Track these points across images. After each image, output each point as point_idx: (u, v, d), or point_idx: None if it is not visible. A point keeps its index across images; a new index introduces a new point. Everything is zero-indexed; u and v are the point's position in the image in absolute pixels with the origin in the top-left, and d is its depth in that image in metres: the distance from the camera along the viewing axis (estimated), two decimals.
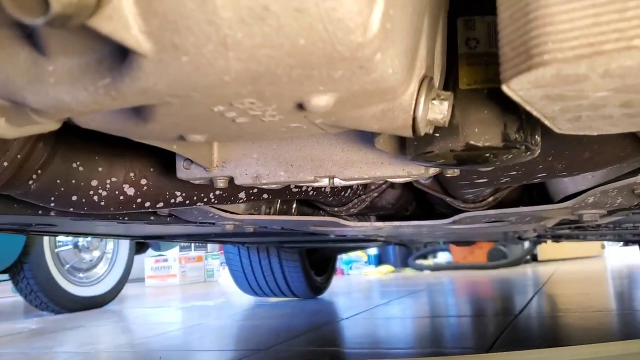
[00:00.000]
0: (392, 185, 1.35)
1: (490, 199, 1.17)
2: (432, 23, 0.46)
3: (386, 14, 0.34)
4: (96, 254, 4.01)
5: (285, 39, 0.32)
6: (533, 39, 0.31)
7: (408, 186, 1.34)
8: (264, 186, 0.76)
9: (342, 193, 1.18)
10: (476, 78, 0.53)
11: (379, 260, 6.24)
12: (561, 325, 2.09)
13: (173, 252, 6.03)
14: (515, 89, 0.35)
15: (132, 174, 0.87)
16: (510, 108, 0.53)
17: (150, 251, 5.50)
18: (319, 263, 3.55)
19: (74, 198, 0.85)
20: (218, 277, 6.30)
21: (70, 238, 3.74)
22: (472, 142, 0.53)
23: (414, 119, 0.44)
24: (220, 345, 2.09)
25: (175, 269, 6.01)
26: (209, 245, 6.28)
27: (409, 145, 0.59)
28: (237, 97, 0.39)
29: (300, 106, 0.41)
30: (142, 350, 2.03)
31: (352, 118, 0.46)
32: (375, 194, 1.31)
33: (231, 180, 0.77)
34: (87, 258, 3.91)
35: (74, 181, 0.84)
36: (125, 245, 4.11)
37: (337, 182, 0.74)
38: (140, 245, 4.36)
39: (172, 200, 0.92)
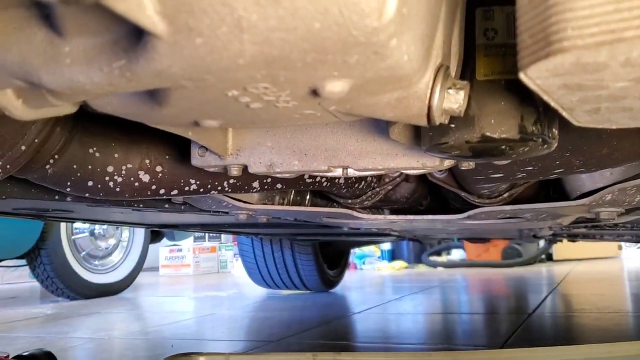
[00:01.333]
0: (407, 178, 1.34)
1: (506, 194, 1.16)
2: (450, 11, 0.45)
3: None
4: (112, 242, 4.05)
5: (300, 22, 0.32)
6: (552, 25, 0.31)
7: (423, 180, 1.34)
8: (278, 175, 0.76)
9: (356, 185, 1.18)
10: (493, 69, 0.52)
11: (393, 255, 6.22)
12: (575, 325, 2.07)
13: (187, 243, 6.08)
14: (532, 77, 0.34)
15: (147, 161, 0.88)
16: (527, 100, 0.53)
17: (165, 241, 5.55)
18: (332, 257, 3.56)
19: (90, 183, 0.86)
20: (231, 268, 6.33)
21: (86, 226, 3.78)
22: (488, 133, 0.52)
23: (429, 108, 0.44)
24: (232, 335, 2.10)
25: (189, 259, 6.05)
26: (223, 237, 6.32)
27: (423, 136, 0.58)
28: (251, 82, 0.39)
29: (315, 92, 0.41)
30: (155, 337, 2.04)
31: (366, 105, 0.45)
32: (390, 187, 1.31)
33: (245, 169, 0.77)
34: (102, 246, 3.95)
35: (90, 167, 0.84)
36: (140, 234, 4.14)
37: (351, 172, 0.74)
38: (155, 235, 4.40)
39: (187, 188, 0.92)
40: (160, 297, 3.93)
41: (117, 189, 0.88)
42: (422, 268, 5.75)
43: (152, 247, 4.85)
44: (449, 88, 0.44)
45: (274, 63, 0.35)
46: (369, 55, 0.36)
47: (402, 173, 1.27)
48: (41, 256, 3.47)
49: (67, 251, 3.61)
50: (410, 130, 0.60)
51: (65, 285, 3.49)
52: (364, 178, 1.19)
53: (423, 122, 0.45)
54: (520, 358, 1.09)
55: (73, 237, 3.75)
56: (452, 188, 1.20)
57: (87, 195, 0.88)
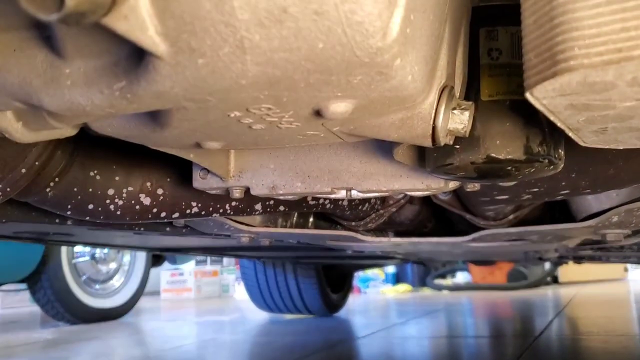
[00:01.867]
0: (411, 200, 1.33)
1: (511, 216, 1.15)
2: (454, 31, 0.45)
3: (406, 18, 0.33)
4: (113, 266, 4.03)
5: (304, 43, 0.31)
6: (558, 44, 0.30)
7: (427, 202, 1.33)
8: (281, 197, 0.76)
9: (360, 207, 1.17)
10: (498, 89, 0.52)
11: (397, 279, 6.18)
12: (583, 349, 2.04)
13: (189, 266, 6.04)
14: (539, 97, 0.34)
15: (148, 184, 0.87)
16: (533, 120, 0.52)
17: (166, 265, 5.52)
18: (335, 280, 3.53)
19: (91, 206, 0.85)
20: (233, 292, 6.29)
21: (87, 249, 3.76)
22: (493, 154, 0.52)
23: (434, 129, 0.43)
24: None
25: (190, 283, 6.01)
26: (225, 260, 6.29)
27: (428, 158, 0.58)
28: (253, 102, 0.38)
29: (318, 113, 0.40)
30: None
31: (370, 126, 0.45)
32: (394, 209, 1.30)
33: (247, 191, 0.76)
34: (103, 270, 3.93)
35: (90, 190, 0.84)
36: (141, 258, 4.12)
37: (355, 194, 0.74)
38: (156, 259, 4.38)
39: (188, 211, 0.92)
40: (161, 322, 3.89)
41: (118, 212, 0.87)
42: (426, 291, 5.70)
43: (153, 271, 4.82)
44: (454, 108, 0.44)
45: (277, 84, 0.35)
46: (373, 76, 0.35)
47: (406, 195, 1.27)
48: (42, 280, 3.45)
49: (68, 275, 3.59)
50: (414, 152, 0.60)
51: (66, 309, 3.46)
52: (368, 200, 1.18)
53: (427, 143, 0.45)
54: None
55: (74, 261, 3.73)
56: (456, 210, 1.19)
57: (87, 218, 0.87)
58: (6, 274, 3.26)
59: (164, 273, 6.14)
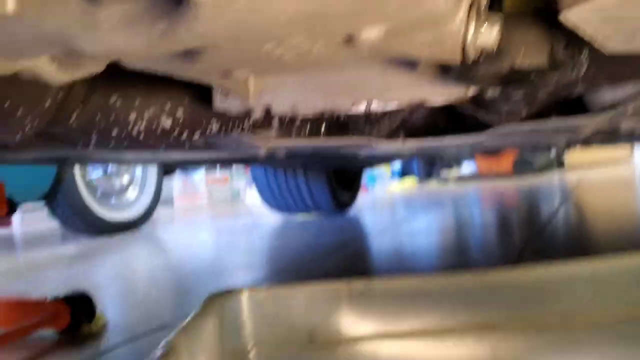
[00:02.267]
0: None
1: (524, 112, 1.16)
2: None
3: None
4: (126, 178, 4.09)
5: None
6: None
7: None
8: (303, 114, 0.77)
9: (371, 111, 1.17)
10: (522, 2, 0.52)
11: (403, 172, 6.26)
12: (590, 233, 2.11)
13: (199, 174, 6.13)
14: (574, 17, 0.34)
15: (168, 106, 0.88)
16: (556, 28, 0.52)
17: (178, 174, 5.60)
18: (345, 179, 3.59)
19: (114, 133, 0.87)
20: (244, 197, 6.41)
21: (99, 164, 3.81)
22: (518, 63, 0.52)
23: (464, 45, 0.44)
24: (252, 264, 2.16)
25: (202, 191, 6.13)
26: (234, 166, 6.36)
27: (453, 68, 0.58)
28: (288, 37, 0.39)
29: (350, 39, 0.41)
30: (176, 271, 2.11)
31: (401, 47, 0.45)
32: (406, 113, 1.30)
33: (267, 110, 0.77)
34: (117, 183, 4.00)
35: (113, 116, 0.85)
36: (153, 169, 4.18)
37: (375, 106, 0.74)
38: (168, 168, 4.43)
39: (209, 130, 0.93)
40: (177, 230, 4.02)
41: (141, 136, 0.89)
42: (433, 184, 5.80)
43: (165, 181, 4.90)
44: (483, 24, 0.44)
45: (314, 17, 0.35)
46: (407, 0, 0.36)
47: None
48: (58, 197, 3.52)
49: (83, 190, 3.65)
50: (437, 66, 0.60)
51: (84, 223, 3.56)
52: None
53: (457, 60, 0.45)
54: (536, 273, 1.12)
55: (87, 177, 3.79)
56: (469, 108, 1.20)
57: (112, 144, 0.89)
58: (25, 193, 3.33)
59: (176, 182, 6.24)
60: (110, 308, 1.51)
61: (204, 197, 6.16)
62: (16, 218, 4.80)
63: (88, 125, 0.84)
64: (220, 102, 0.77)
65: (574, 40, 0.54)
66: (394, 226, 2.89)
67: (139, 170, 4.16)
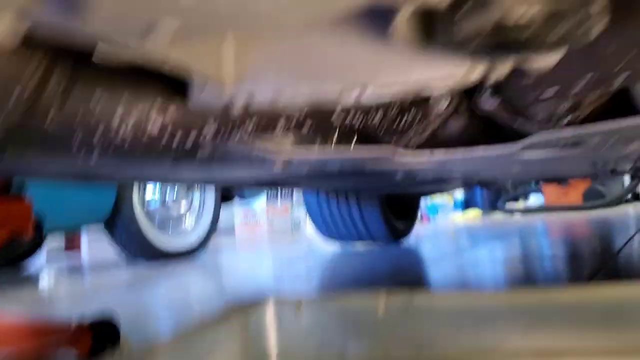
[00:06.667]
0: (456, 111, 1.22)
1: (568, 118, 1.02)
2: None
3: None
4: (184, 205, 4.13)
5: None
6: None
7: (473, 114, 1.21)
8: (289, 105, 0.68)
9: (398, 120, 1.08)
10: None
11: (466, 204, 6.03)
12: None
13: (260, 204, 6.15)
14: None
15: (158, 103, 0.82)
16: None
17: (239, 203, 5.63)
18: (400, 208, 3.47)
19: (99, 132, 0.81)
20: (304, 228, 6.37)
21: (157, 197, 3.89)
22: (508, 12, 0.41)
23: None
24: (303, 291, 2.07)
25: (263, 220, 6.13)
26: (295, 196, 6.34)
27: (435, 33, 0.48)
28: None
29: None
30: (235, 295, 2.05)
31: None
32: (437, 124, 1.20)
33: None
34: (174, 212, 4.04)
35: (97, 113, 0.79)
36: (211, 196, 4.21)
37: (371, 91, 0.65)
38: (226, 196, 4.46)
39: (204, 133, 0.86)
40: (235, 257, 4.00)
41: (128, 139, 0.83)
42: (498, 216, 5.54)
43: (227, 209, 4.91)
44: None
45: None
46: None
47: (449, 107, 1.16)
48: (117, 224, 3.60)
49: (141, 218, 3.71)
50: (418, 27, 0.50)
51: (143, 250, 3.61)
52: (406, 111, 1.09)
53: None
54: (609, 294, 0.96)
55: (146, 203, 3.86)
56: (505, 117, 1.08)
57: (98, 145, 0.83)
58: (85, 217, 3.43)
59: (237, 211, 6.29)
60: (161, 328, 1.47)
61: (264, 227, 6.16)
62: (84, 243, 4.99)
63: (70, 121, 0.78)
64: (196, 96, 0.70)
65: None
66: (454, 255, 2.73)
67: (196, 199, 4.20)
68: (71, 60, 0.74)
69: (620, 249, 2.26)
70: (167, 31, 0.43)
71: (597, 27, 0.45)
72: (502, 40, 0.44)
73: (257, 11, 0.42)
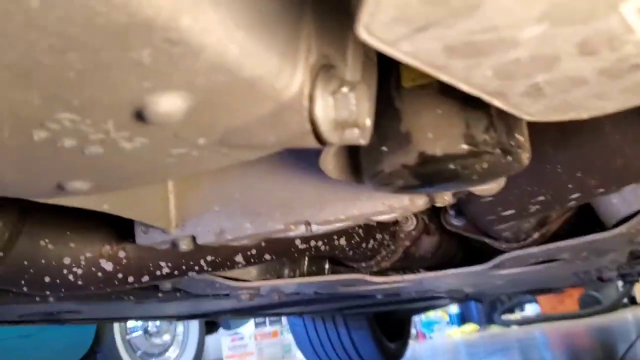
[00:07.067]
0: (427, 231, 1.20)
1: (536, 235, 1.01)
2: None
3: None
4: (167, 337, 3.98)
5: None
6: None
7: (445, 232, 1.20)
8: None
9: (364, 245, 1.05)
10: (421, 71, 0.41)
11: (462, 319, 5.86)
12: None
13: (248, 329, 5.95)
14: (384, 36, 0.23)
15: (108, 247, 0.79)
16: (472, 102, 0.41)
17: (226, 330, 5.43)
18: (391, 328, 3.34)
19: (47, 279, 0.77)
20: (295, 351, 6.12)
21: (139, 324, 3.74)
22: (427, 151, 0.40)
23: (312, 121, 0.33)
24: None
25: (252, 347, 5.89)
26: (284, 320, 6.15)
27: (362, 170, 0.47)
28: (40, 112, 0.29)
29: (140, 116, 0.31)
30: None
31: (237, 131, 0.35)
32: (407, 243, 1.18)
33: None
34: (158, 343, 3.88)
35: (43, 261, 0.76)
36: (195, 327, 4.06)
37: (316, 228, 0.63)
38: (210, 326, 4.31)
39: (158, 272, 0.83)
40: None
41: (80, 282, 0.79)
42: (495, 329, 5.37)
43: (214, 337, 4.72)
44: (335, 92, 0.33)
45: (35, 74, 0.26)
46: (166, 48, 0.26)
47: (418, 226, 1.14)
48: (97, 356, 3.43)
49: (123, 352, 3.55)
50: (348, 165, 0.49)
51: None
52: (372, 236, 1.07)
53: (312, 143, 0.34)
54: None
55: (127, 337, 3.70)
56: (474, 236, 1.06)
57: (47, 292, 0.80)
58: (60, 356, 3.25)
59: (224, 339, 6.05)
60: None
61: (254, 354, 5.91)
62: None
63: (15, 272, 0.75)
64: (142, 236, 0.67)
65: (501, 115, 0.42)
66: None
67: (180, 328, 4.05)
68: (16, 209, 0.73)
69: (623, 356, 2.16)
70: (81, 190, 0.41)
71: (524, 158, 0.44)
72: (427, 174, 0.43)
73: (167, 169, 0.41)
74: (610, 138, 0.59)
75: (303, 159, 0.61)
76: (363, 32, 0.23)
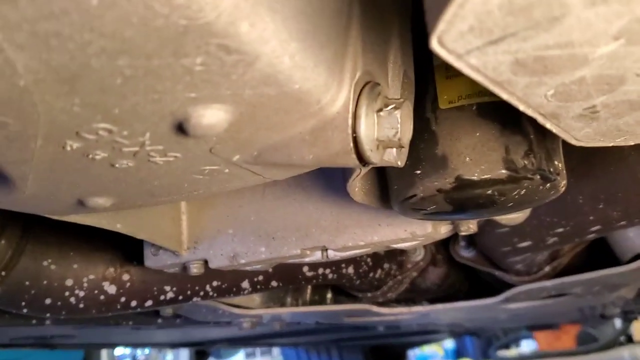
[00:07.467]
0: (434, 262, 1.18)
1: (548, 268, 0.99)
2: (377, 12, 0.34)
3: None
4: None
5: (73, 4, 0.21)
6: None
7: (453, 263, 1.18)
8: (246, 267, 0.63)
9: (372, 275, 1.03)
10: (460, 92, 0.40)
11: (457, 353, 5.78)
12: None
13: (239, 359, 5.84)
14: (455, 48, 0.22)
15: (112, 269, 0.77)
16: (512, 125, 0.40)
17: None
18: None
19: (48, 301, 0.75)
20: None
21: (128, 351, 3.67)
22: (464, 175, 0.39)
23: (355, 139, 0.32)
24: None
25: None
26: (274, 350, 6.05)
27: (391, 194, 0.45)
28: (77, 122, 0.27)
29: (180, 128, 0.29)
30: None
31: (275, 147, 0.33)
32: (414, 274, 1.15)
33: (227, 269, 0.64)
34: None
35: (45, 282, 0.74)
36: (185, 355, 3.99)
37: (332, 254, 0.61)
38: (200, 355, 4.23)
39: (162, 297, 0.80)
40: None
41: (81, 305, 0.77)
42: None
43: None
44: (380, 110, 0.32)
45: (78, 80, 0.24)
46: (220, 56, 0.24)
47: (425, 257, 1.12)
48: None
49: None
50: (374, 187, 0.48)
51: None
52: (380, 266, 1.05)
53: (353, 162, 0.33)
54: None
55: None
56: (484, 268, 1.04)
57: (47, 314, 0.77)
58: None
59: None
60: None
61: None
62: None
63: (16, 292, 0.73)
64: (151, 258, 0.65)
65: (540, 140, 0.41)
66: None
67: (169, 356, 3.98)
68: (19, 227, 0.71)
69: None
70: (102, 206, 0.39)
71: (561, 185, 0.42)
72: (461, 200, 0.41)
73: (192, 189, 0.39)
74: (635, 169, 0.58)
75: (321, 182, 0.60)
76: (435, 41, 0.21)
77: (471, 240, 0.97)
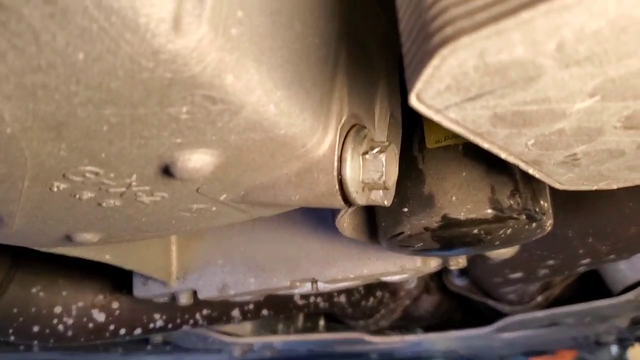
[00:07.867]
0: (428, 290, 1.18)
1: (540, 298, 0.99)
2: (362, 55, 0.35)
3: (226, 13, 0.23)
4: None
5: (55, 56, 0.21)
6: (430, 8, 0.19)
7: (446, 292, 1.18)
8: (236, 298, 0.63)
9: (364, 303, 1.03)
10: (447, 132, 0.41)
11: None
12: None
13: None
14: (434, 103, 0.23)
15: (101, 297, 0.77)
16: (498, 166, 0.40)
17: None
18: None
19: (36, 328, 0.74)
20: None
21: None
22: (450, 214, 0.39)
23: (341, 181, 0.32)
24: None
25: None
26: None
27: (379, 230, 0.46)
28: (64, 164, 0.28)
29: (167, 171, 0.30)
30: None
31: (261, 188, 0.34)
32: (407, 302, 1.15)
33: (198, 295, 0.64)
34: None
35: (34, 309, 0.73)
36: None
37: (322, 286, 0.61)
38: None
39: (152, 325, 0.80)
40: None
41: (69, 333, 0.76)
42: None
43: None
44: (365, 152, 0.33)
45: (62, 128, 0.25)
46: (201, 104, 0.25)
47: (418, 285, 1.12)
48: None
49: None
50: (362, 223, 0.48)
51: None
52: (372, 294, 1.04)
53: (339, 204, 0.33)
54: None
55: None
56: (476, 297, 1.04)
57: (35, 342, 0.76)
58: None
59: None
60: None
61: None
62: None
63: (4, 319, 0.72)
64: (140, 288, 0.65)
65: (526, 181, 0.41)
66: None
67: None
68: (9, 255, 0.71)
69: None
70: (89, 241, 0.39)
71: (547, 224, 0.43)
72: (446, 241, 0.42)
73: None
74: (623, 205, 0.59)
75: (311, 214, 0.60)
76: (413, 98, 0.22)
77: (464, 269, 0.97)
